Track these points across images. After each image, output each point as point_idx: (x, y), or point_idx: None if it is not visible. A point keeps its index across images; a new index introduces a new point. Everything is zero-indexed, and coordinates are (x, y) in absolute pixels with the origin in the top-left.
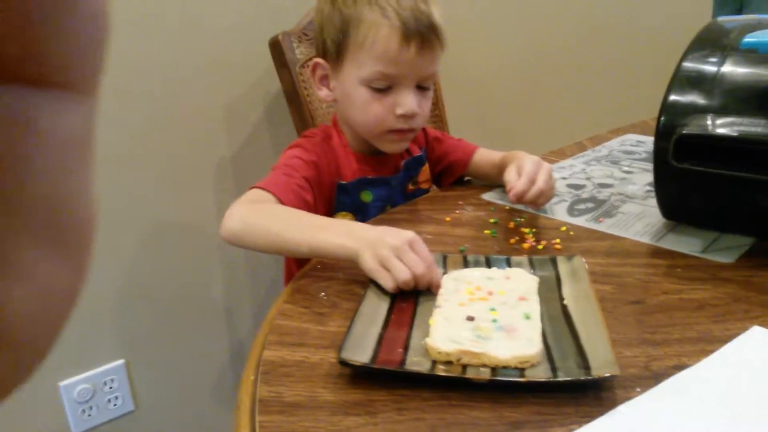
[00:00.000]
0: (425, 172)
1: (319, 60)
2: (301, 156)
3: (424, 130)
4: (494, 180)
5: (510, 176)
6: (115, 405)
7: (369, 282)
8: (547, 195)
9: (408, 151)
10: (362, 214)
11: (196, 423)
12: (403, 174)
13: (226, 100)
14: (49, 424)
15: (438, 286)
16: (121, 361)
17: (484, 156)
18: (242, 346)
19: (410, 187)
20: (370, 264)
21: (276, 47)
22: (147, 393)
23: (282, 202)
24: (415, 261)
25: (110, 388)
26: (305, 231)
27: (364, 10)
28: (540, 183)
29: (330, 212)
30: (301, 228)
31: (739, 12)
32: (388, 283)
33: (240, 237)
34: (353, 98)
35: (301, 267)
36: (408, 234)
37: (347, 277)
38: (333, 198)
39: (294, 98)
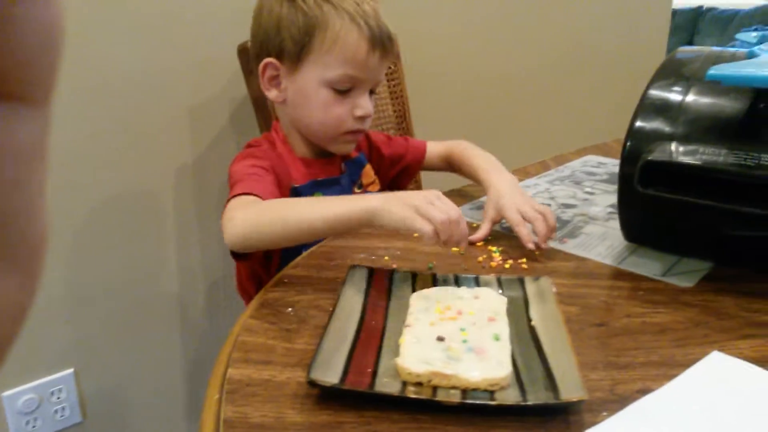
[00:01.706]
0: (368, 174)
1: (272, 60)
2: (257, 164)
3: (366, 135)
4: (445, 170)
5: (521, 232)
6: (62, 416)
7: (337, 297)
8: (551, 221)
9: (348, 155)
10: None
11: None
12: (347, 174)
13: (191, 104)
14: None
15: (466, 241)
16: (70, 370)
17: (432, 151)
18: (198, 356)
19: (356, 190)
20: (401, 213)
21: (244, 54)
22: (96, 404)
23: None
24: (447, 206)
25: (57, 398)
26: (315, 209)
27: (331, 14)
28: (549, 217)
29: None
30: (310, 209)
31: (692, 39)
32: (425, 227)
33: (249, 238)
34: (313, 98)
35: (254, 270)
36: (433, 190)
37: (315, 292)
38: None
39: (261, 105)
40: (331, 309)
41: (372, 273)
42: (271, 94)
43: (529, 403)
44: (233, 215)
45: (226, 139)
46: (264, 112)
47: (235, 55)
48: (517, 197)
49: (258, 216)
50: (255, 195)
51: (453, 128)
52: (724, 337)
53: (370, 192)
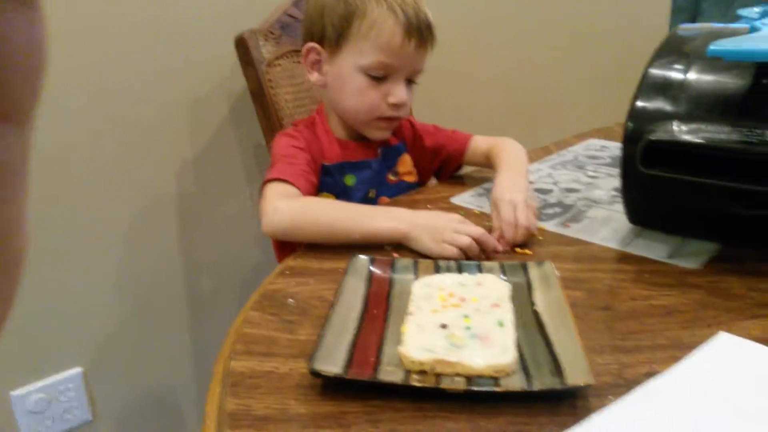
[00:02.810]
0: (405, 163)
1: (314, 45)
2: (293, 144)
3: (411, 124)
4: (487, 167)
5: (494, 223)
6: (72, 415)
7: (339, 287)
8: (531, 228)
9: (386, 141)
10: (346, 196)
11: None
12: (381, 160)
13: (189, 98)
14: None
15: (495, 249)
16: (78, 369)
17: (476, 145)
18: (207, 354)
19: (391, 177)
20: (428, 244)
21: (241, 45)
22: (105, 403)
23: (300, 191)
24: (469, 229)
25: (67, 397)
26: (354, 219)
27: (370, 2)
28: (521, 222)
29: (315, 192)
30: (349, 217)
31: (693, 21)
32: (452, 252)
33: (290, 234)
34: (348, 84)
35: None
36: (455, 215)
37: (317, 282)
38: (318, 179)
39: (260, 97)
40: (332, 299)
41: (373, 262)
42: (313, 77)
43: (534, 388)
44: (278, 206)
45: (226, 133)
46: (263, 104)
47: (232, 47)
48: (506, 193)
49: (303, 215)
50: (292, 183)
51: (453, 115)
52: (732, 317)
53: (405, 181)
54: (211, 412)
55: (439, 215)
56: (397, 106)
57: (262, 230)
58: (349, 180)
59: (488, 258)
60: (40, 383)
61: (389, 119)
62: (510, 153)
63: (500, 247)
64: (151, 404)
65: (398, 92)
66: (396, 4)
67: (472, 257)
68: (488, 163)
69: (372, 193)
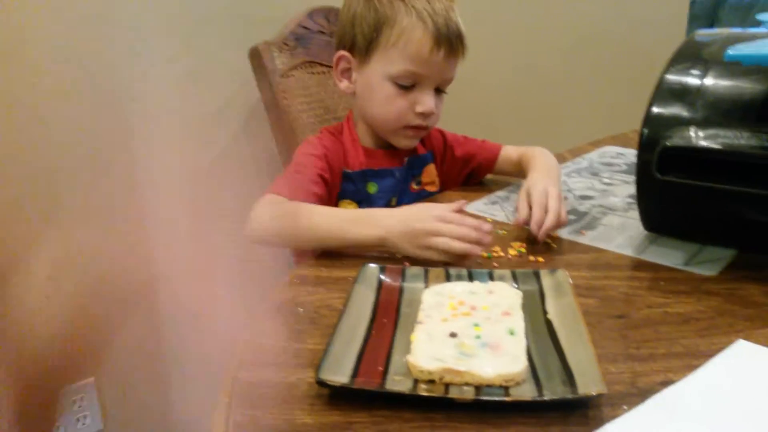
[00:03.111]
0: (430, 173)
1: (345, 53)
2: (311, 152)
3: (442, 134)
4: (517, 176)
5: (522, 209)
6: (84, 424)
7: (348, 295)
8: (561, 218)
9: (414, 150)
10: (368, 204)
11: None
12: (406, 168)
13: (203, 110)
14: None
15: (484, 245)
16: (90, 379)
17: (507, 155)
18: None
19: (414, 186)
20: (409, 250)
21: (256, 57)
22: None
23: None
24: (451, 230)
25: (79, 406)
26: (333, 227)
27: (400, 11)
28: (553, 207)
29: (335, 199)
30: (329, 225)
31: (711, 27)
32: (439, 258)
33: (266, 239)
34: (377, 92)
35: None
36: (434, 211)
37: (327, 291)
38: (339, 185)
39: (274, 109)
40: (341, 308)
41: (384, 270)
42: (343, 84)
43: (545, 398)
44: (258, 214)
45: (239, 145)
46: (277, 115)
47: (246, 59)
48: (539, 183)
49: (281, 222)
50: (285, 196)
51: (466, 123)
52: (750, 325)
53: (426, 191)
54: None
55: (418, 214)
56: (424, 115)
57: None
58: (372, 188)
59: (472, 261)
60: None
61: (417, 128)
62: (543, 159)
63: (486, 239)
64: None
65: (426, 101)
66: (426, 14)
67: (455, 258)
68: (519, 171)
69: (393, 202)
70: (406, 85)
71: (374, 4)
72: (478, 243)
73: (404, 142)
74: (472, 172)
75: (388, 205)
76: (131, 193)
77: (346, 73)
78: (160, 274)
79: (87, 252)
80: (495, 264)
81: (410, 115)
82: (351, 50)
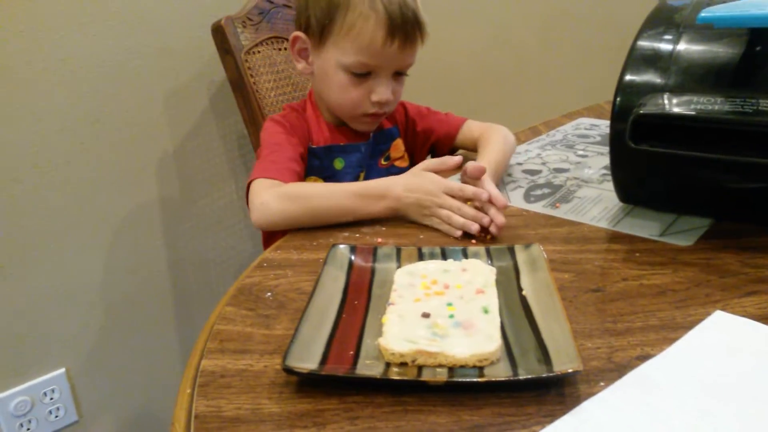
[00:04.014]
0: (398, 148)
1: (300, 34)
2: (280, 131)
3: (405, 107)
4: (475, 152)
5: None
6: (57, 417)
7: (317, 278)
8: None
9: (379, 124)
10: (335, 180)
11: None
12: (372, 143)
13: (167, 89)
14: None
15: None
16: (61, 370)
17: (468, 130)
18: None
19: (383, 162)
20: (416, 218)
21: (219, 33)
22: (91, 402)
23: (285, 183)
24: (454, 204)
25: (51, 399)
26: (345, 205)
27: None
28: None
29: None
30: (340, 204)
31: None
32: (440, 227)
33: (280, 223)
34: (332, 79)
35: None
36: (441, 184)
37: (296, 274)
38: (305, 162)
39: (240, 86)
40: (311, 290)
41: (354, 250)
42: (300, 65)
43: (520, 377)
44: (265, 199)
45: (206, 124)
46: (244, 93)
47: (210, 35)
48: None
49: (293, 205)
50: (277, 180)
51: (441, 99)
52: (727, 295)
53: (396, 167)
54: (180, 416)
55: (427, 186)
56: (380, 103)
57: (253, 224)
58: (338, 164)
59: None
60: (22, 386)
61: (374, 115)
62: (497, 140)
63: (485, 220)
64: (138, 401)
65: (381, 91)
66: (379, 2)
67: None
68: (476, 148)
69: (361, 177)
70: (361, 74)
71: None
72: (475, 220)
73: (362, 127)
74: (433, 146)
75: (355, 180)
76: (96, 179)
77: (303, 52)
78: (132, 260)
79: (54, 243)
80: (473, 241)
81: (366, 104)
82: (306, 32)
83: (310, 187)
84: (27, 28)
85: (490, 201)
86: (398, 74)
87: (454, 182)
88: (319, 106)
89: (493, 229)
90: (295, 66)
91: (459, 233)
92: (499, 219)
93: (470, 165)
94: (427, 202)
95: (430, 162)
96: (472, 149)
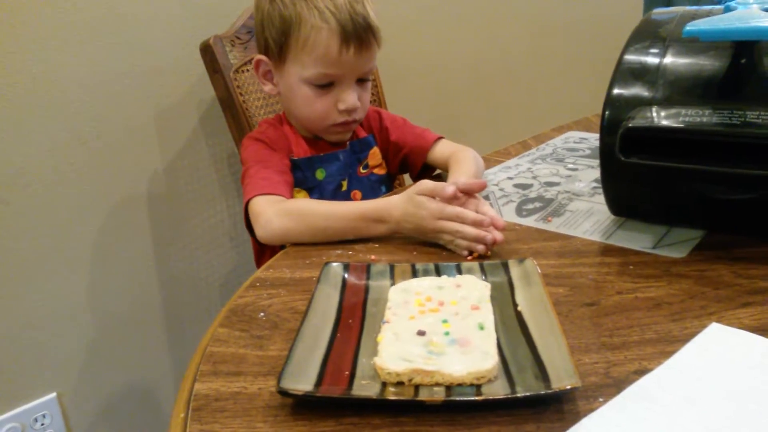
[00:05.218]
0: (375, 156)
1: (261, 57)
2: (261, 147)
3: (380, 115)
4: (444, 171)
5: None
6: None
7: (311, 297)
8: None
9: (354, 133)
10: (319, 190)
11: None
12: (349, 151)
13: (156, 109)
14: None
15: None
16: (53, 394)
17: (441, 148)
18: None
19: (361, 170)
20: (418, 236)
21: (207, 52)
22: (83, 427)
23: (284, 196)
24: (454, 229)
25: (42, 424)
26: (347, 227)
27: (303, 13)
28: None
29: None
30: (341, 225)
31: (668, 6)
32: (458, 252)
33: (286, 239)
34: (297, 95)
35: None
36: (431, 208)
37: (289, 294)
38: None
39: (229, 105)
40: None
41: (347, 268)
42: (267, 87)
43: (518, 394)
44: (269, 217)
45: (196, 143)
46: (233, 112)
47: (199, 55)
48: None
49: (297, 224)
50: (277, 195)
51: (429, 113)
52: (722, 307)
53: (375, 174)
54: None
55: (420, 212)
56: (348, 111)
57: (259, 240)
58: (320, 174)
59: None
60: (11, 412)
61: (344, 124)
62: (469, 159)
63: (487, 238)
64: (132, 423)
65: (347, 98)
66: (329, 12)
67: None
68: (446, 169)
69: (344, 186)
70: (324, 84)
71: (278, 6)
72: (477, 240)
73: (335, 138)
74: (405, 158)
75: (338, 189)
76: (84, 198)
77: (268, 74)
78: (121, 279)
79: (43, 264)
80: (468, 258)
81: (334, 114)
82: (266, 53)
83: (312, 205)
84: (17, 49)
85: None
86: (362, 81)
87: (450, 207)
88: (293, 123)
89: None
90: (262, 89)
91: (466, 253)
92: (499, 237)
93: (464, 180)
94: (425, 230)
95: (425, 187)
96: (441, 168)
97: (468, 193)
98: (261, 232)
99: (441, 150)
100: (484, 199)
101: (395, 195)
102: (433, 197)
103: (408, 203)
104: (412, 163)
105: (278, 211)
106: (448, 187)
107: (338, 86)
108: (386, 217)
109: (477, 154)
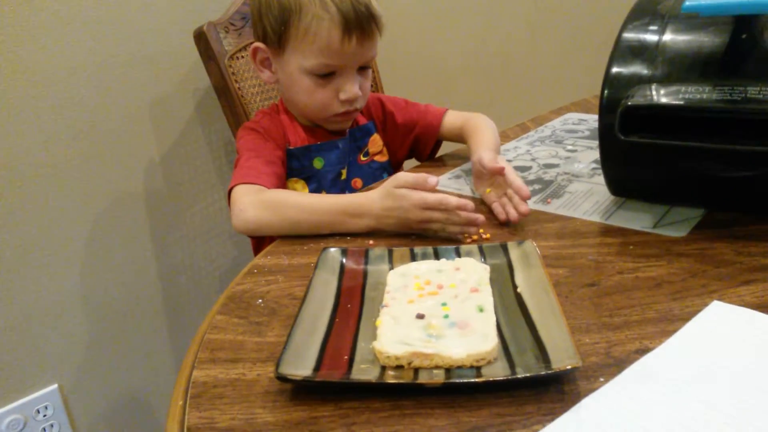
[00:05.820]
0: (376, 143)
1: (259, 45)
2: (255, 137)
3: (381, 102)
4: (458, 142)
5: (484, 193)
6: None
7: (309, 283)
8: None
9: (354, 120)
10: (317, 180)
11: None
12: (349, 139)
13: (151, 97)
14: None
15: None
16: (54, 386)
17: (450, 120)
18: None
19: (362, 158)
20: (402, 230)
21: (201, 39)
22: (85, 417)
23: (265, 186)
24: (439, 218)
25: (44, 416)
26: (323, 221)
27: (304, 2)
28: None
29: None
30: (318, 219)
31: None
32: (434, 235)
33: (258, 230)
34: (297, 84)
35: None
36: (413, 199)
37: (287, 280)
38: (284, 164)
39: (224, 92)
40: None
41: (346, 253)
42: (264, 75)
43: (518, 376)
44: (243, 207)
45: (192, 131)
46: (229, 99)
47: (193, 42)
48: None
49: (270, 214)
50: (259, 185)
51: (426, 97)
52: (723, 285)
53: (376, 161)
54: (173, 428)
55: (401, 205)
56: (350, 101)
57: (233, 229)
58: (318, 163)
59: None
60: (13, 404)
61: (345, 113)
62: (488, 133)
63: (480, 219)
64: (134, 415)
65: (348, 88)
66: (330, 1)
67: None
68: (462, 139)
69: (344, 174)
70: (325, 74)
71: None
72: (468, 224)
73: (335, 127)
74: (416, 139)
75: (338, 177)
76: (82, 189)
77: (266, 62)
78: (120, 270)
79: (43, 257)
80: (467, 240)
81: (335, 104)
82: (265, 41)
83: (289, 196)
84: (7, 39)
85: (516, 192)
86: (362, 69)
87: (432, 196)
88: (291, 110)
89: (514, 214)
90: (259, 76)
91: (460, 238)
92: (523, 208)
93: (487, 160)
94: (409, 222)
95: (404, 180)
96: (454, 140)
97: (499, 174)
98: (234, 221)
99: (451, 122)
100: (510, 167)
101: (373, 190)
102: (414, 189)
103: (386, 198)
104: (424, 141)
105: (254, 201)
106: (431, 178)
107: (339, 76)
108: (365, 212)
109: (486, 117)
